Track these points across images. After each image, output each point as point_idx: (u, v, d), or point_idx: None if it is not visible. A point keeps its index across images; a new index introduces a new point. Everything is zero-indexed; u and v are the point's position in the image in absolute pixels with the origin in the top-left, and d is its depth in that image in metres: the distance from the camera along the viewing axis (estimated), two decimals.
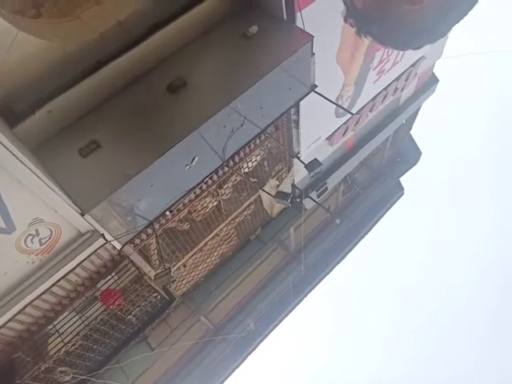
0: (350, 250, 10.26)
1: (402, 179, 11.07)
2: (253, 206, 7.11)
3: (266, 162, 6.19)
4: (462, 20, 1.04)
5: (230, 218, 6.67)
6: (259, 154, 5.83)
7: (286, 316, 9.58)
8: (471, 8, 1.01)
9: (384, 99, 7.22)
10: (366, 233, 10.50)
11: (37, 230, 2.96)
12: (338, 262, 10.16)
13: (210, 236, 6.55)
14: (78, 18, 3.93)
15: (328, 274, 10.05)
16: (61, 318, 4.44)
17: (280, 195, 4.60)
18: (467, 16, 1.04)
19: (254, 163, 5.85)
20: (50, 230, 3.07)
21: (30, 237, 2.95)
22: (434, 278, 33.52)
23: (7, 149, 2.44)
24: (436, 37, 1.07)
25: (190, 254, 6.41)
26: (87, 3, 4.00)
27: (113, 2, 3.93)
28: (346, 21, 1.04)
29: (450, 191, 34.05)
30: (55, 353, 4.60)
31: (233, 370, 8.63)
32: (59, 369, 4.77)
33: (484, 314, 30.67)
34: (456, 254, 33.22)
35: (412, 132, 10.44)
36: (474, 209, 32.44)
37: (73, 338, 4.68)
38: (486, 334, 30.67)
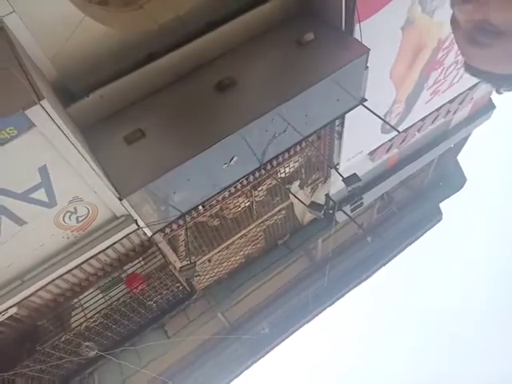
0: (376, 270, 9.99)
1: (442, 204, 10.65)
2: (284, 212, 7.08)
3: (303, 170, 6.14)
4: None
5: (260, 221, 6.67)
6: (298, 161, 5.78)
7: (302, 326, 9.47)
8: None
9: (434, 120, 6.97)
10: (396, 255, 10.19)
11: (75, 208, 3.08)
12: (363, 280, 9.91)
13: (238, 235, 6.57)
14: (140, 8, 4.07)
15: (351, 290, 9.83)
16: (86, 293, 4.59)
17: (313, 205, 4.53)
18: None
19: (292, 169, 5.81)
20: (88, 210, 3.18)
21: (69, 213, 3.07)
22: (463, 309, 32.09)
23: (58, 127, 2.55)
24: None
25: (216, 250, 6.46)
26: None
27: None
28: (498, 92, 0.94)
29: (491, 223, 32.43)
30: (76, 326, 4.77)
31: (242, 371, 8.63)
32: (85, 343, 4.97)
33: None
34: (486, 289, 31.64)
35: (459, 157, 10.03)
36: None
37: (95, 314, 4.84)
38: None
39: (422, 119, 6.62)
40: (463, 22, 0.81)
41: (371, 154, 6.52)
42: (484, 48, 0.79)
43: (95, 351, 5.20)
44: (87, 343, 5.17)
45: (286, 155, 5.30)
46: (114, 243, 3.67)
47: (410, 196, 10.39)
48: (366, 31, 3.82)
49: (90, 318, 4.81)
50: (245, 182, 5.26)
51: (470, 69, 0.89)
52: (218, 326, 8.30)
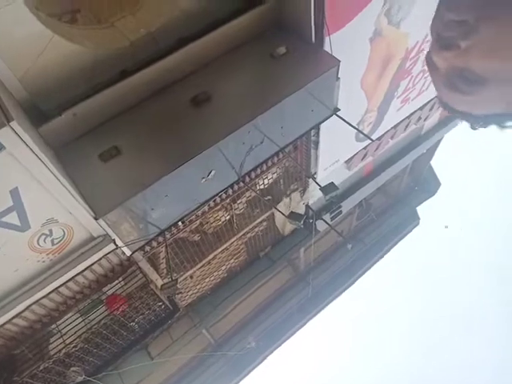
0: (359, 276, 10.08)
1: (418, 208, 10.90)
2: (265, 223, 7.08)
3: (281, 181, 6.18)
4: None
5: (241, 233, 6.64)
6: (276, 172, 5.82)
7: (289, 337, 9.41)
8: None
9: (406, 127, 7.17)
10: (378, 260, 10.32)
11: (50, 230, 2.99)
12: (347, 287, 9.98)
13: (220, 249, 6.52)
14: (111, 26, 4.06)
15: (335, 298, 9.87)
16: (64, 318, 4.44)
17: (293, 216, 4.56)
18: None
19: (270, 181, 5.84)
20: (63, 231, 3.10)
21: (43, 236, 2.98)
22: (443, 311, 32.64)
23: (30, 148, 2.49)
24: None
25: (198, 266, 6.39)
26: (122, 12, 4.13)
27: (146, 12, 4.04)
28: (473, 128, 0.87)
29: (467, 225, 33.33)
30: (55, 353, 4.59)
31: None
32: (72, 368, 4.80)
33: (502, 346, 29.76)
34: (467, 288, 32.35)
35: (432, 162, 10.32)
36: (490, 246, 31.64)
37: (74, 339, 4.67)
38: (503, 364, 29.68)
39: (395, 126, 6.80)
40: (442, 68, 0.78)
41: (347, 162, 6.63)
42: (465, 95, 0.77)
43: (83, 376, 5.03)
44: (74, 368, 5.01)
45: (264, 167, 5.33)
46: (92, 264, 3.58)
47: (387, 202, 10.61)
48: (336, 44, 3.92)
49: (70, 343, 4.64)
50: (224, 196, 5.25)
51: (446, 107, 0.87)
52: (203, 344, 8.16)
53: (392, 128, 6.76)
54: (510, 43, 0.68)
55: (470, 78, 0.73)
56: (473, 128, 0.87)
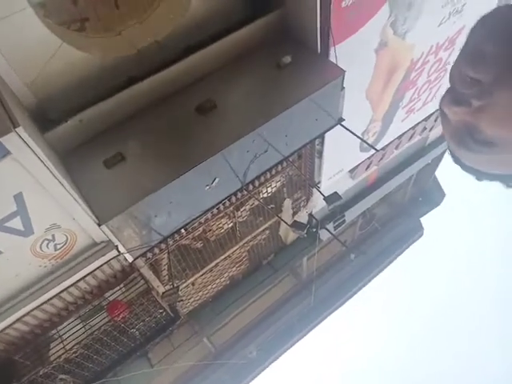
0: (362, 287, 10.01)
1: (422, 219, 10.83)
2: (268, 232, 7.06)
3: (285, 189, 6.17)
4: None
5: (244, 241, 6.62)
6: (279, 181, 5.82)
7: (290, 347, 9.33)
8: None
9: (411, 138, 7.16)
10: (381, 270, 10.25)
11: (53, 236, 3.00)
12: (349, 298, 9.91)
13: (222, 257, 6.50)
14: (119, 34, 4.10)
15: (338, 308, 9.80)
16: (65, 324, 4.43)
17: (296, 225, 4.54)
18: None
19: (274, 189, 5.83)
20: (66, 237, 3.10)
21: (46, 241, 2.99)
22: (448, 322, 32.28)
23: (35, 154, 2.51)
24: None
25: (200, 273, 6.36)
26: (130, 21, 4.17)
27: (153, 21, 4.08)
28: (479, 180, 0.86)
29: (472, 236, 33.10)
30: (55, 359, 4.57)
31: None
32: (59, 376, 4.74)
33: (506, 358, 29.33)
34: (471, 299, 32.02)
35: (437, 172, 10.28)
36: (495, 258, 31.33)
37: (74, 345, 4.65)
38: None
39: (399, 137, 6.79)
40: (452, 120, 0.75)
41: (351, 171, 6.62)
42: (471, 152, 0.75)
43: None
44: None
45: (268, 175, 5.33)
46: (94, 270, 3.57)
47: (391, 212, 10.55)
48: (342, 54, 3.94)
49: (70, 349, 4.62)
50: (227, 203, 5.25)
51: (452, 156, 0.85)
52: (204, 352, 8.11)
53: (397, 138, 6.75)
54: None
55: (478, 138, 0.70)
56: (478, 180, 0.84)
